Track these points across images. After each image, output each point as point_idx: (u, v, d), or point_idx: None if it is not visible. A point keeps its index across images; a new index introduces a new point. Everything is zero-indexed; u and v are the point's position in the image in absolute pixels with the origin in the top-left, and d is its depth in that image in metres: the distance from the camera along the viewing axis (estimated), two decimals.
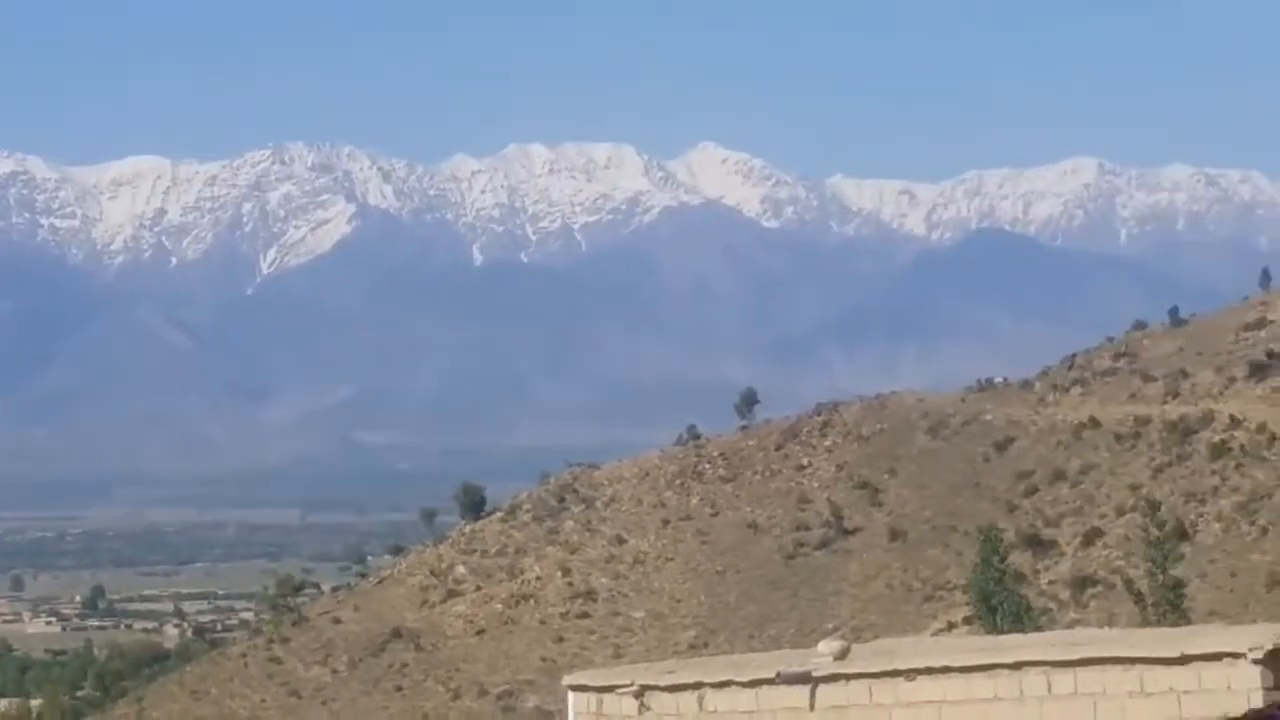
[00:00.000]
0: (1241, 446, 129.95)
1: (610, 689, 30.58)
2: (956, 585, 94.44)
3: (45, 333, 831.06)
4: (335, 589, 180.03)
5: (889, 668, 27.21)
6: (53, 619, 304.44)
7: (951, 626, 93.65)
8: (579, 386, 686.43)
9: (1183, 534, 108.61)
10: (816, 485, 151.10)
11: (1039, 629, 59.93)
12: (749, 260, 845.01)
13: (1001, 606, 66.23)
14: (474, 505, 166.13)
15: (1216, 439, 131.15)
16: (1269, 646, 23.23)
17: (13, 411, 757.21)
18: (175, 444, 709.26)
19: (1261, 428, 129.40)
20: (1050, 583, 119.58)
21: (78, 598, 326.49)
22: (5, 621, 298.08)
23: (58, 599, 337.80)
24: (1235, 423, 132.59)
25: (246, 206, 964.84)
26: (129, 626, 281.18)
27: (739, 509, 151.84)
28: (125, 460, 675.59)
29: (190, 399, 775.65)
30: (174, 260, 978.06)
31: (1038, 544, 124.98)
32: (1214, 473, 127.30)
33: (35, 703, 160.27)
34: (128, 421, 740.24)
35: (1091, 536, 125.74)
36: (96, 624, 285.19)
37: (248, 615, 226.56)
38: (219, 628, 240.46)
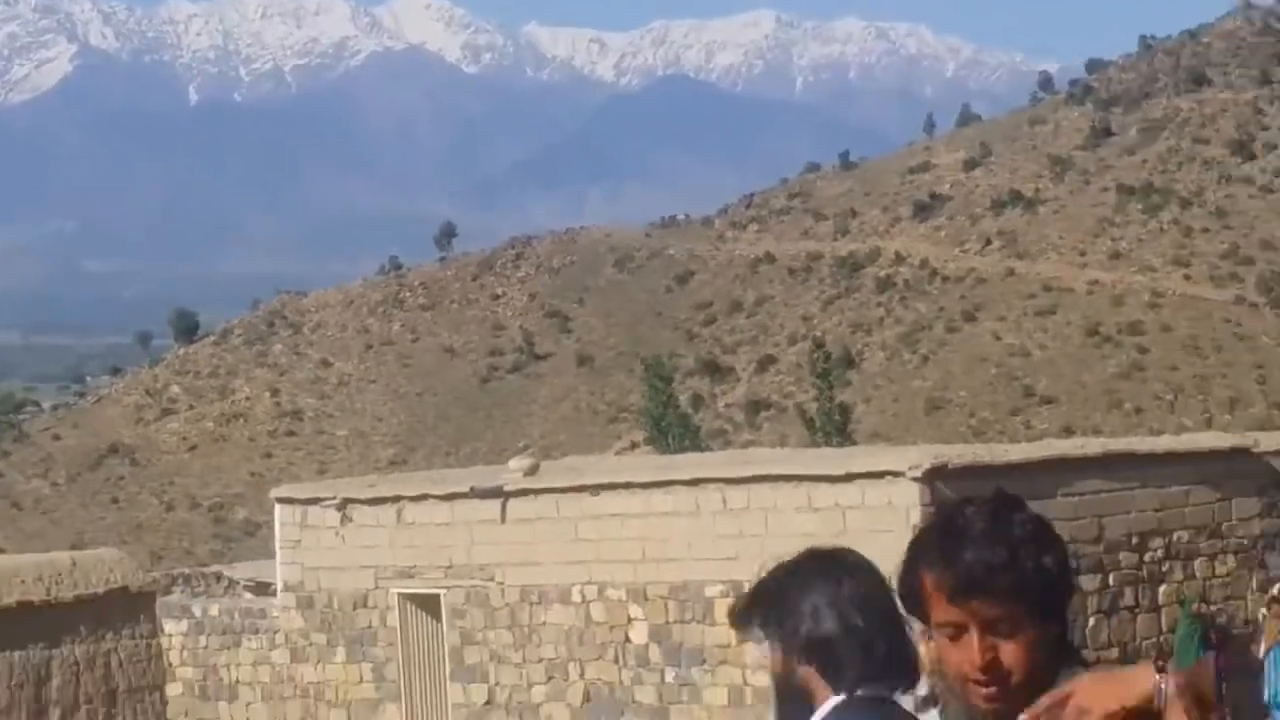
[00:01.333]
0: (905, 281, 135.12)
1: (315, 501, 31.56)
2: (638, 408, 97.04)
3: None
4: (55, 407, 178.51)
5: (575, 483, 28.39)
6: None
7: (634, 446, 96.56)
8: (289, 221, 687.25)
9: (850, 362, 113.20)
10: (510, 314, 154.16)
11: (707, 449, 61.97)
12: (450, 103, 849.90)
13: (671, 429, 68.07)
14: (187, 330, 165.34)
15: (882, 274, 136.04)
16: (927, 466, 24.23)
17: None
18: None
19: (924, 264, 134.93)
20: (727, 406, 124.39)
21: None
22: None
23: None
24: (899, 259, 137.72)
25: None
26: None
27: (438, 335, 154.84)
28: None
29: None
30: None
31: (715, 370, 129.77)
32: (879, 305, 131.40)
33: None
34: None
35: (765, 363, 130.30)
36: None
37: None
38: None
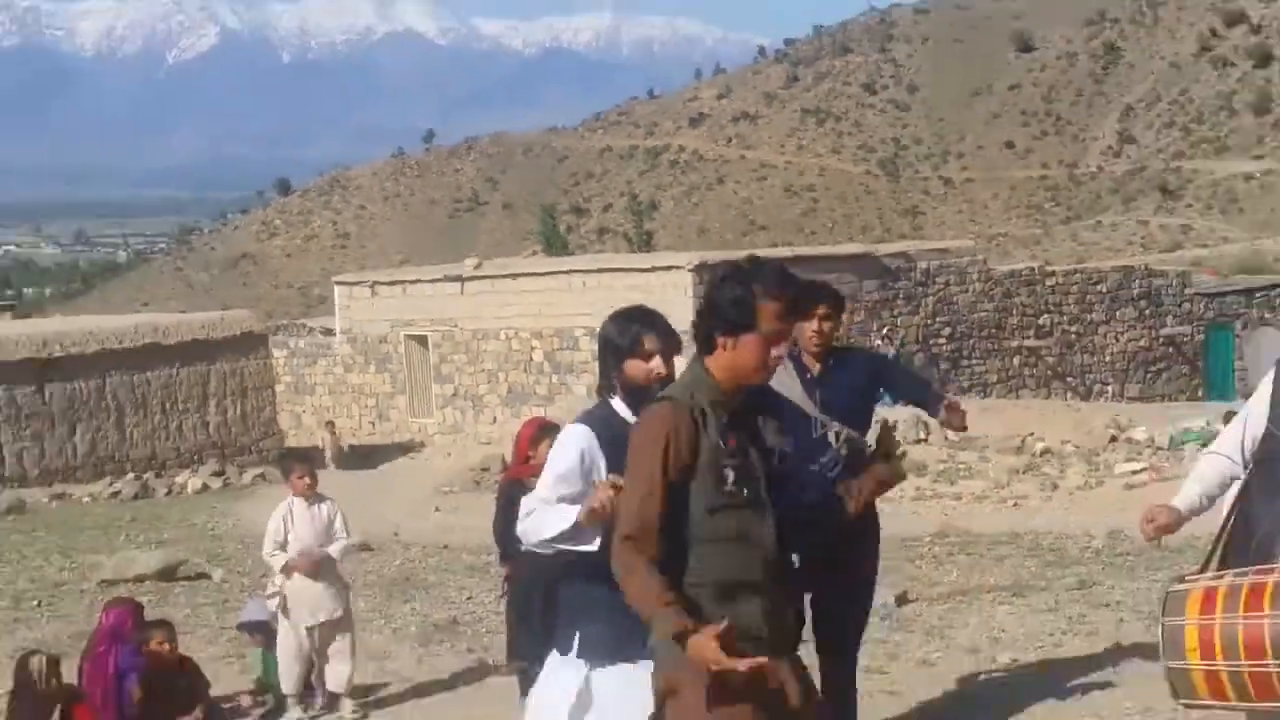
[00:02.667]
0: (685, 161, 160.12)
1: (357, 283, 37.16)
2: (536, 232, 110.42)
3: None
4: (209, 231, 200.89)
5: (503, 272, 34.02)
6: None
7: (535, 253, 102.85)
8: (345, 134, 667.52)
9: (653, 206, 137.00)
10: (465, 180, 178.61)
11: (574, 254, 65.74)
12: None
13: (556, 243, 79.28)
14: (285, 188, 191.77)
15: (672, 158, 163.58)
16: (696, 263, 29.42)
17: None
18: None
19: (694, 152, 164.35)
20: (586, 231, 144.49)
21: None
22: None
23: None
24: (682, 149, 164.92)
25: None
26: None
27: (426, 192, 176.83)
28: None
29: None
30: None
31: (580, 211, 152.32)
32: (670, 176, 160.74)
33: None
34: None
35: (607, 209, 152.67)
36: None
37: None
38: None
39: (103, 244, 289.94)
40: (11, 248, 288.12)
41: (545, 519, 5.08)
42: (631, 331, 5.03)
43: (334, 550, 9.32)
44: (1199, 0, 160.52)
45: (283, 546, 9.24)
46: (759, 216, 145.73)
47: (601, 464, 5.02)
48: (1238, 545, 5.39)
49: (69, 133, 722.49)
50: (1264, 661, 4.88)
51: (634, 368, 5.01)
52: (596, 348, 5.61)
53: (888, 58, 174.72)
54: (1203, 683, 5.02)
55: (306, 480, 9.41)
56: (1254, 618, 4.90)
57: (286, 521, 9.26)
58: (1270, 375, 5.55)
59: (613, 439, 4.94)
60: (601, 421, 5.06)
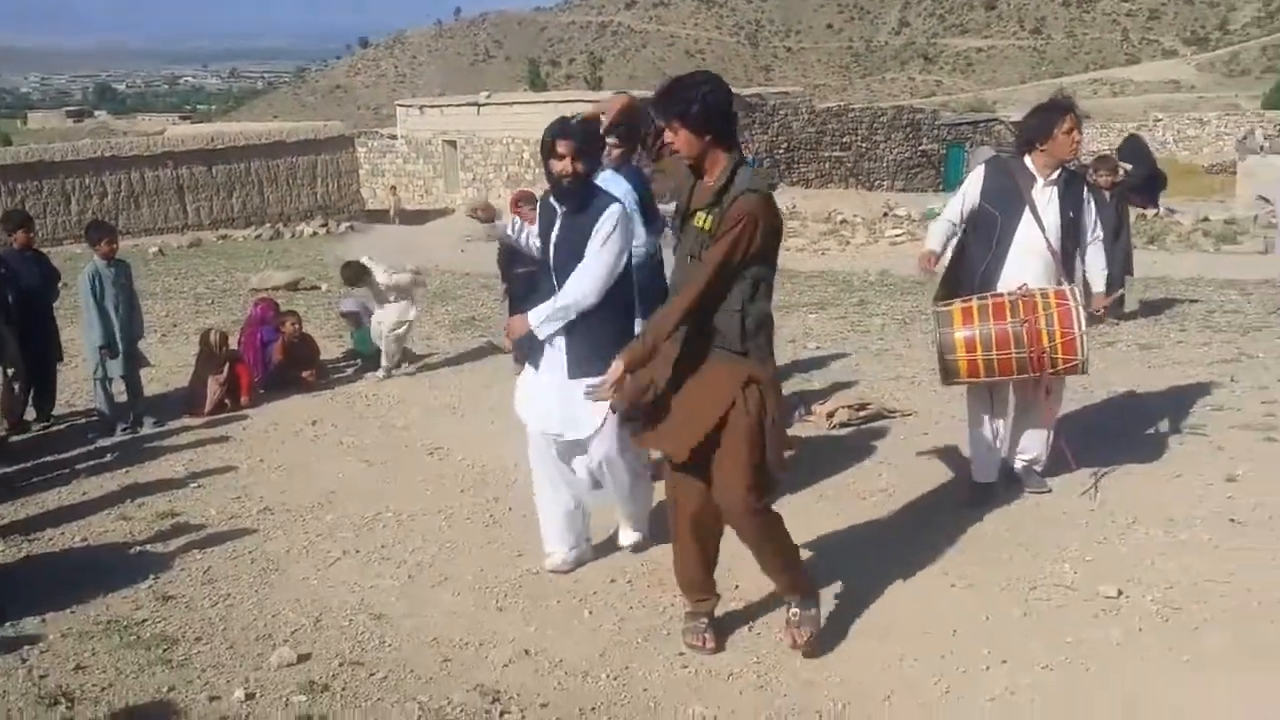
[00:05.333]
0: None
1: (407, 105, 35.83)
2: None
3: None
4: (306, 70, 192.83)
5: (508, 100, 33.67)
6: None
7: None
8: (412, 10, 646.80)
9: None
10: (484, 44, 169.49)
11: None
12: None
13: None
14: (365, 43, 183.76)
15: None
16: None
17: None
18: None
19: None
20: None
21: None
22: None
23: None
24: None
25: None
26: None
27: (455, 48, 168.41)
28: None
29: None
30: None
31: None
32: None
33: None
34: None
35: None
36: None
37: None
38: None
39: (248, 77, 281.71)
40: (190, 79, 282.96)
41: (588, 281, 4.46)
42: (550, 137, 4.46)
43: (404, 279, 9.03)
44: None
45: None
46: (669, 69, 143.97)
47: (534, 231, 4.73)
48: (962, 279, 5.40)
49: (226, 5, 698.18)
50: (1008, 350, 5.04)
51: (551, 165, 4.48)
52: None
53: None
54: (965, 369, 5.11)
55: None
56: (1000, 323, 5.06)
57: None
58: (980, 169, 5.52)
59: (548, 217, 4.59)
60: (543, 204, 4.60)
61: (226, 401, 8.03)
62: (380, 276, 8.89)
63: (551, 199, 4.55)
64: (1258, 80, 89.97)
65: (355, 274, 8.84)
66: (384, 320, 8.90)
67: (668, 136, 3.77)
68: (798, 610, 4.05)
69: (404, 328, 8.98)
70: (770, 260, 3.76)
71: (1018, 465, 5.62)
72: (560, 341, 4.52)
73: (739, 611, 4.47)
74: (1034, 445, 5.55)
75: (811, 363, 8.73)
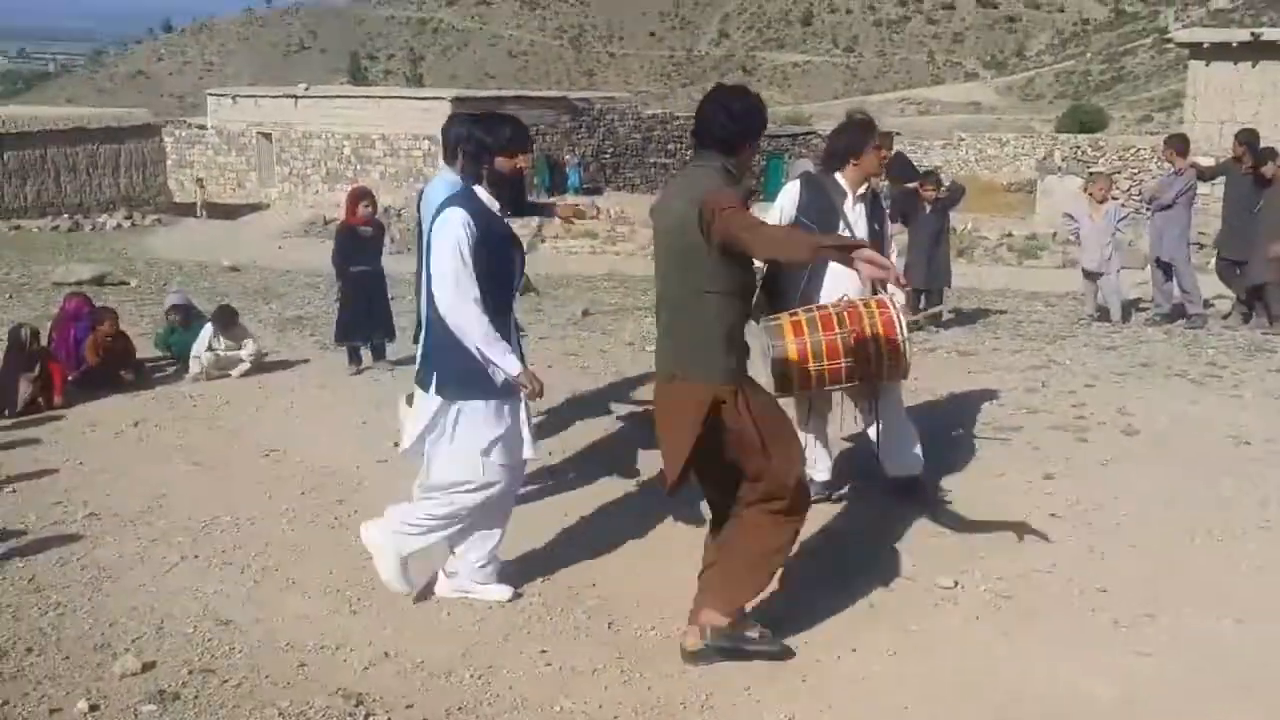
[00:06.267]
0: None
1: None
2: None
3: None
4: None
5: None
6: None
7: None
8: None
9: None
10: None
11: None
12: None
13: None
14: None
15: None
16: (453, 96, 30.31)
17: None
18: None
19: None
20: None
21: None
22: None
23: None
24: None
25: None
26: None
27: None
28: None
29: None
30: None
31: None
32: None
33: None
34: None
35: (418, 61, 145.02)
36: None
37: None
38: None
39: (38, 58, 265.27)
40: None
41: (482, 330, 4.20)
42: (503, 134, 4.33)
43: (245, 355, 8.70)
44: None
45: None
46: (491, 70, 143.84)
47: (470, 242, 4.19)
48: (785, 292, 5.44)
49: None
50: (838, 360, 5.13)
51: (502, 163, 4.33)
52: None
53: None
54: (798, 379, 5.19)
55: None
56: (829, 334, 5.14)
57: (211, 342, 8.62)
58: (794, 185, 5.65)
59: (485, 220, 4.26)
60: (473, 206, 4.26)
61: (40, 400, 7.62)
62: (247, 347, 8.61)
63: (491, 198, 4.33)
64: (1050, 104, 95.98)
65: (229, 318, 8.62)
66: (224, 353, 8.59)
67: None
68: (712, 629, 3.97)
69: (239, 366, 8.68)
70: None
71: (900, 474, 5.60)
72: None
73: (597, 607, 4.54)
74: (907, 456, 5.57)
75: (651, 364, 8.83)
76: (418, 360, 4.65)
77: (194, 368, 8.44)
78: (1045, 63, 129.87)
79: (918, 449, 5.62)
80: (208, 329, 8.58)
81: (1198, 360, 9.00)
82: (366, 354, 8.83)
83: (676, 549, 4.95)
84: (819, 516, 5.41)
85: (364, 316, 8.69)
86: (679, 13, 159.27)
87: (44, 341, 8.00)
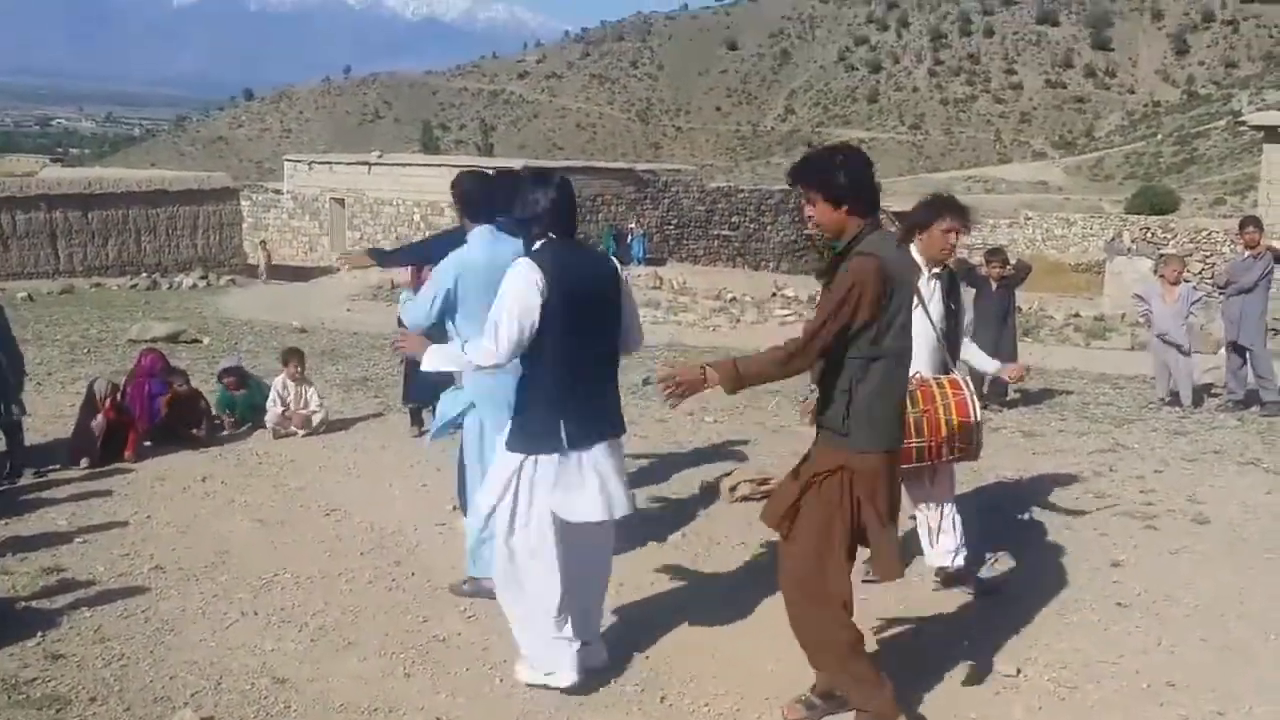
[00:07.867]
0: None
1: None
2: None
3: None
4: None
5: (402, 161, 34.44)
6: None
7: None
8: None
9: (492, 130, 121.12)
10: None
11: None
12: None
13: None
14: None
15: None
16: (522, 165, 31.29)
17: None
18: None
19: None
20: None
21: None
22: None
23: None
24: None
25: None
26: None
27: None
28: None
29: None
30: None
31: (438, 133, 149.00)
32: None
33: None
34: None
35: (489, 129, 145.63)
36: None
37: None
38: None
39: (125, 123, 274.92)
40: (62, 121, 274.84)
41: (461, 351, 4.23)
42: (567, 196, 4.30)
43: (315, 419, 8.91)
44: (840, 26, 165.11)
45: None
46: (559, 141, 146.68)
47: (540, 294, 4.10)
48: None
49: (110, 47, 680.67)
50: (909, 439, 4.84)
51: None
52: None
53: (647, 45, 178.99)
54: None
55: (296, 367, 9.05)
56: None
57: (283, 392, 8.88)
58: None
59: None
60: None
61: (118, 453, 7.77)
62: (312, 399, 8.84)
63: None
64: (1119, 185, 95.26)
65: (297, 357, 8.97)
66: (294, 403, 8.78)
67: (806, 209, 3.71)
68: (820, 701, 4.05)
69: (316, 415, 8.83)
70: (880, 339, 3.58)
71: (944, 564, 5.45)
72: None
73: (649, 680, 4.47)
74: (948, 540, 5.41)
75: (711, 436, 8.81)
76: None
77: (271, 417, 8.56)
78: (1115, 143, 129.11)
79: (960, 540, 5.41)
80: (278, 380, 8.74)
81: (1273, 449, 8.78)
82: (429, 416, 8.87)
83: (726, 621, 4.88)
84: (867, 593, 5.28)
85: (428, 379, 8.71)
86: (745, 89, 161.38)
87: (120, 396, 8.18)
